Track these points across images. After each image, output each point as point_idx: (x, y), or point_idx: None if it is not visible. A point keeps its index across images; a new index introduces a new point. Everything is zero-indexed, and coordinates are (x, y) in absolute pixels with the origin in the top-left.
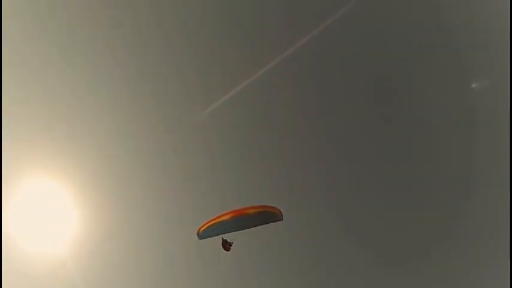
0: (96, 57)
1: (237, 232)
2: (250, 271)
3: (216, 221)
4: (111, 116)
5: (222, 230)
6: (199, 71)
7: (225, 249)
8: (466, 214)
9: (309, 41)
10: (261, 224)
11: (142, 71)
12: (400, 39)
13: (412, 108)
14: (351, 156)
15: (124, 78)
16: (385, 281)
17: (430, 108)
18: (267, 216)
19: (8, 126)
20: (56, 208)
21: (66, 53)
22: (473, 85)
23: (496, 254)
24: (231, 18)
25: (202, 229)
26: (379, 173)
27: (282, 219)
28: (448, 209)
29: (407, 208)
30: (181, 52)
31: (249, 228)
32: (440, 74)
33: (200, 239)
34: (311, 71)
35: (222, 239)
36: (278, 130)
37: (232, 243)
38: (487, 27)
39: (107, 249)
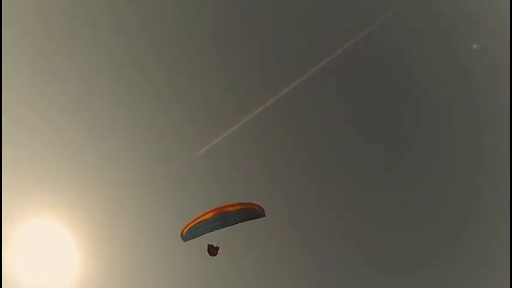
0: (97, 100)
1: (226, 233)
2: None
3: (198, 220)
4: (110, 160)
5: (205, 229)
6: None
7: (211, 254)
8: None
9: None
10: (242, 221)
11: (139, 118)
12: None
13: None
14: (350, 157)
15: (123, 121)
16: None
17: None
18: (248, 213)
19: (12, 167)
20: (57, 247)
21: (67, 100)
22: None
23: (496, 255)
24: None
25: (185, 230)
26: (379, 175)
27: (264, 216)
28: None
29: (406, 210)
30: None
31: (231, 225)
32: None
33: (185, 240)
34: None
35: (208, 245)
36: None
37: (218, 247)
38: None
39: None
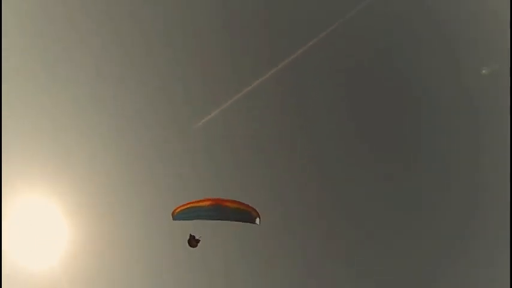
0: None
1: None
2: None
3: (193, 204)
4: (103, 137)
5: (197, 215)
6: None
7: (191, 245)
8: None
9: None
10: (236, 221)
11: (134, 93)
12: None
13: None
14: (349, 159)
15: (117, 97)
16: None
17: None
18: (244, 214)
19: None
20: (48, 224)
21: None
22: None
23: (496, 255)
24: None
25: (177, 210)
26: (378, 175)
27: (259, 223)
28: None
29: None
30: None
31: (222, 220)
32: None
33: (174, 220)
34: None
35: (190, 235)
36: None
37: (199, 240)
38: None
39: (98, 266)
